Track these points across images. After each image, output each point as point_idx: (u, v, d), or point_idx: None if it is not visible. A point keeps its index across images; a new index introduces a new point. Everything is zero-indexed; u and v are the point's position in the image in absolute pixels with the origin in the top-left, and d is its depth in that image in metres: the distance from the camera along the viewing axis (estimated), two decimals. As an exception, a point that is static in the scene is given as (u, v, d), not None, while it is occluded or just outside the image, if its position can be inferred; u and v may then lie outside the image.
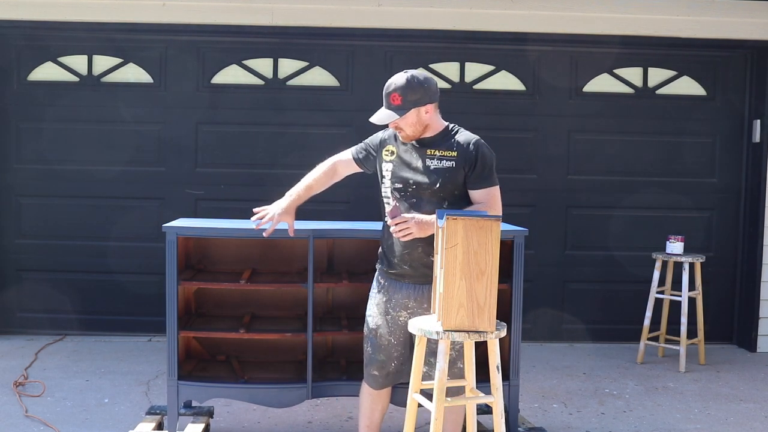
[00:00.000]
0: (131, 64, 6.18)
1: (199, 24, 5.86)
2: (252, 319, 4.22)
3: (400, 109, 3.32)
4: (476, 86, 6.29)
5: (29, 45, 6.12)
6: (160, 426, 4.00)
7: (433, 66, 6.24)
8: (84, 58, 6.17)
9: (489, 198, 3.39)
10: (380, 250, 3.58)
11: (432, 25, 5.95)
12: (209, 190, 6.19)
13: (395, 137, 3.49)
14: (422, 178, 3.37)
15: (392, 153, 3.47)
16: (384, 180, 3.49)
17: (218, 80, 6.20)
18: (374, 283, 3.59)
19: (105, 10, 5.81)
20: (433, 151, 3.40)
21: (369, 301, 3.59)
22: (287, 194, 3.77)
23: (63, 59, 6.16)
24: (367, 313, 3.57)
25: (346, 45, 6.16)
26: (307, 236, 3.90)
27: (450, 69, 6.25)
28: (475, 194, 3.40)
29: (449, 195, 3.38)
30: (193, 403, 4.19)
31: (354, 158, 3.67)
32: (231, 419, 4.43)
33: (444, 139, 3.43)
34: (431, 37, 6.02)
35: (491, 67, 6.29)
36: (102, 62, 6.17)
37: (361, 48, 6.18)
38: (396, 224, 3.27)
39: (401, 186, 3.42)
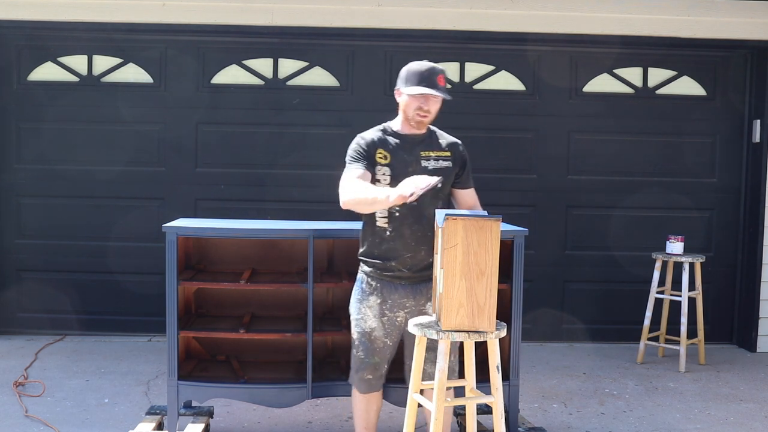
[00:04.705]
0: (131, 64, 6.18)
1: (199, 24, 5.87)
2: (252, 319, 4.22)
3: (445, 92, 3.35)
4: (476, 86, 6.29)
5: (29, 45, 6.12)
6: (160, 426, 4.00)
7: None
8: (84, 58, 6.17)
9: (475, 198, 3.54)
10: (366, 252, 3.49)
11: (432, 25, 5.95)
12: (209, 190, 6.19)
13: (383, 141, 3.43)
14: None
15: (385, 157, 3.41)
16: (379, 184, 3.40)
17: (218, 80, 6.20)
18: (362, 286, 3.50)
19: (105, 10, 5.81)
20: (426, 152, 3.43)
21: (355, 304, 3.52)
22: (385, 190, 3.27)
23: (63, 59, 6.16)
24: (356, 317, 3.51)
25: (346, 45, 6.16)
26: (307, 236, 3.89)
27: (450, 69, 6.25)
28: (464, 194, 3.51)
29: (445, 195, 3.46)
30: (193, 403, 4.19)
31: (367, 170, 3.39)
32: (231, 419, 4.43)
33: (432, 140, 3.48)
34: (431, 37, 6.02)
35: (491, 67, 6.29)
36: (102, 62, 6.17)
37: (361, 48, 6.18)
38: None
39: None
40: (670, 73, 6.39)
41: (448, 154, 3.45)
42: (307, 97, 6.21)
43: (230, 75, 6.21)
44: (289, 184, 6.18)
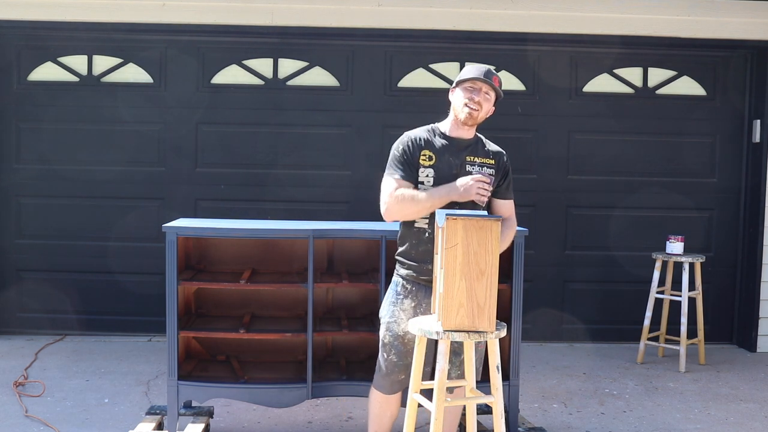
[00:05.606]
0: (131, 64, 6.17)
1: (199, 24, 5.87)
2: (252, 319, 4.22)
3: (498, 89, 3.38)
4: (476, 86, 6.28)
5: (29, 45, 6.12)
6: (160, 426, 4.00)
7: (433, 66, 6.24)
8: (84, 58, 6.17)
9: (512, 211, 3.50)
10: (404, 252, 3.42)
11: (432, 25, 5.95)
12: (209, 190, 6.19)
13: (429, 141, 3.37)
14: None
15: (430, 158, 3.34)
16: (422, 186, 3.32)
17: (218, 80, 6.20)
18: (397, 289, 3.42)
19: (105, 10, 5.81)
20: (472, 157, 3.38)
21: (388, 307, 3.42)
22: (440, 189, 3.31)
23: (63, 59, 6.16)
24: (388, 320, 3.41)
25: (346, 45, 6.16)
26: (307, 236, 3.89)
27: (450, 69, 6.25)
28: (502, 204, 3.46)
29: (485, 204, 3.39)
30: (193, 403, 4.19)
31: (409, 182, 3.33)
32: (231, 419, 4.43)
33: (478, 146, 3.44)
34: (431, 37, 6.02)
35: (491, 67, 6.27)
36: (102, 62, 6.17)
37: (361, 48, 6.18)
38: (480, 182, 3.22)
39: None
40: (670, 73, 6.39)
41: (493, 162, 3.42)
42: (307, 97, 6.21)
43: (230, 75, 6.21)
44: (289, 184, 6.18)
